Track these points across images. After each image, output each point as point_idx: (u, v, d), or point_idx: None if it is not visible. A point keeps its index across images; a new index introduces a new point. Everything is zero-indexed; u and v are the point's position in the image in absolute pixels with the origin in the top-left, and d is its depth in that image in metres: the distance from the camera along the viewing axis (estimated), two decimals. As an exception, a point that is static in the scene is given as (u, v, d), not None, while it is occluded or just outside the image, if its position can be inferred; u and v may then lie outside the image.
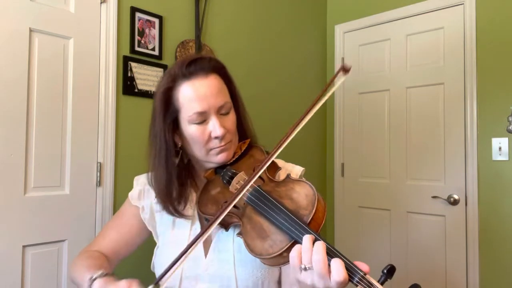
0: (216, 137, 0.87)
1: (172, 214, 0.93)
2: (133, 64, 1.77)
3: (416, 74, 2.50)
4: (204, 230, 0.76)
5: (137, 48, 1.78)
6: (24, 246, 1.43)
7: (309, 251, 0.63)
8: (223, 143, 0.88)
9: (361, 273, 0.61)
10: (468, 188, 2.25)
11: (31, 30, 1.47)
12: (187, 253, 0.72)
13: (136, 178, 1.08)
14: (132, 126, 1.77)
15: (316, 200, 0.71)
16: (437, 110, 2.40)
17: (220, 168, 0.92)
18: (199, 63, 0.88)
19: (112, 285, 0.76)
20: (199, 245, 0.88)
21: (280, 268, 0.89)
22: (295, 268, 0.65)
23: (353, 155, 2.79)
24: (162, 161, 0.90)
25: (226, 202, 0.78)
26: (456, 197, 2.30)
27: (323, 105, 3.28)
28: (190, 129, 0.88)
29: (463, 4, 2.31)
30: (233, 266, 0.86)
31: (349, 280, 0.62)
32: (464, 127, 2.29)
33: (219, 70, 0.91)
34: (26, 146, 1.45)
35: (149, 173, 0.98)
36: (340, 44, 2.88)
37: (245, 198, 0.79)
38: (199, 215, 0.94)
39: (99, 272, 0.81)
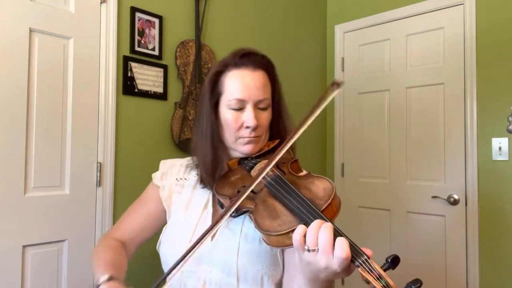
0: (247, 127, 0.91)
1: (210, 188, 0.96)
2: (133, 64, 1.77)
3: (416, 74, 2.50)
4: (224, 213, 0.76)
5: (137, 48, 1.78)
6: (24, 246, 1.44)
7: (315, 234, 0.63)
8: (252, 134, 0.92)
9: (364, 256, 0.62)
10: (468, 188, 2.25)
11: (31, 30, 1.47)
12: (195, 247, 0.73)
13: (162, 162, 1.11)
14: (132, 126, 1.77)
15: (333, 194, 0.72)
16: (437, 110, 2.40)
17: (244, 159, 0.95)
18: (252, 57, 0.93)
19: None
20: (207, 228, 0.91)
21: (283, 268, 0.89)
22: (298, 249, 0.65)
23: (353, 155, 2.79)
24: (209, 138, 0.94)
25: (244, 186, 0.80)
26: (456, 197, 2.30)
27: (323, 105, 3.22)
28: (226, 114, 0.92)
29: (463, 4, 2.31)
30: (236, 254, 0.86)
31: (352, 261, 0.62)
32: (464, 127, 2.29)
33: (268, 68, 0.96)
34: (26, 146, 1.45)
35: (193, 157, 1.02)
36: (340, 44, 2.88)
37: (264, 182, 0.81)
38: (213, 195, 0.96)
39: (105, 277, 0.84)
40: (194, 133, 1.01)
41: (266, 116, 0.95)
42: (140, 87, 1.79)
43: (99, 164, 1.65)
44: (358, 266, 0.61)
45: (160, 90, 1.86)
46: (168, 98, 1.90)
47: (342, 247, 0.61)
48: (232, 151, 0.98)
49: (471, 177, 2.24)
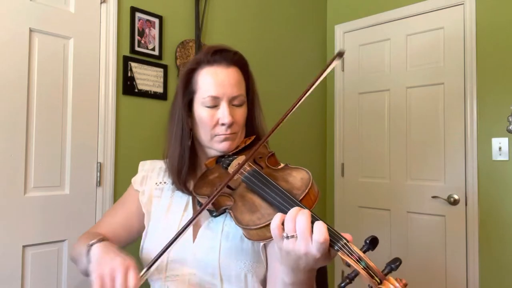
0: (223, 124, 0.90)
1: (182, 191, 0.96)
2: (133, 64, 1.77)
3: (416, 74, 2.50)
4: (204, 206, 0.76)
5: (137, 48, 1.78)
6: (24, 246, 1.43)
7: (293, 220, 0.63)
8: (228, 132, 0.91)
9: (343, 240, 0.61)
10: (468, 188, 2.25)
11: (31, 30, 1.47)
12: (181, 234, 0.73)
13: (141, 163, 1.09)
14: (132, 126, 1.77)
15: (311, 183, 0.72)
16: (437, 110, 2.40)
17: (221, 158, 0.94)
18: (224, 53, 0.93)
19: (110, 254, 0.76)
20: (189, 229, 0.89)
21: (266, 266, 0.89)
22: (277, 238, 0.64)
23: (353, 155, 2.79)
24: (178, 138, 0.94)
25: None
26: (456, 197, 2.30)
27: (323, 105, 3.27)
28: (201, 112, 0.92)
29: (463, 4, 2.31)
30: (218, 254, 0.86)
31: (331, 246, 0.62)
32: (464, 127, 2.29)
33: (242, 65, 0.96)
34: (26, 146, 1.45)
35: (166, 159, 1.00)
36: (340, 44, 2.88)
37: (241, 177, 0.81)
38: (193, 198, 0.95)
39: (97, 237, 0.82)
40: (165, 135, 1.00)
41: (241, 112, 0.94)
42: (140, 87, 1.79)
43: (99, 164, 1.65)
44: (338, 250, 0.61)
45: (160, 90, 1.86)
46: (168, 98, 1.90)
47: (320, 230, 0.60)
48: (209, 150, 0.97)
49: (471, 177, 2.24)
